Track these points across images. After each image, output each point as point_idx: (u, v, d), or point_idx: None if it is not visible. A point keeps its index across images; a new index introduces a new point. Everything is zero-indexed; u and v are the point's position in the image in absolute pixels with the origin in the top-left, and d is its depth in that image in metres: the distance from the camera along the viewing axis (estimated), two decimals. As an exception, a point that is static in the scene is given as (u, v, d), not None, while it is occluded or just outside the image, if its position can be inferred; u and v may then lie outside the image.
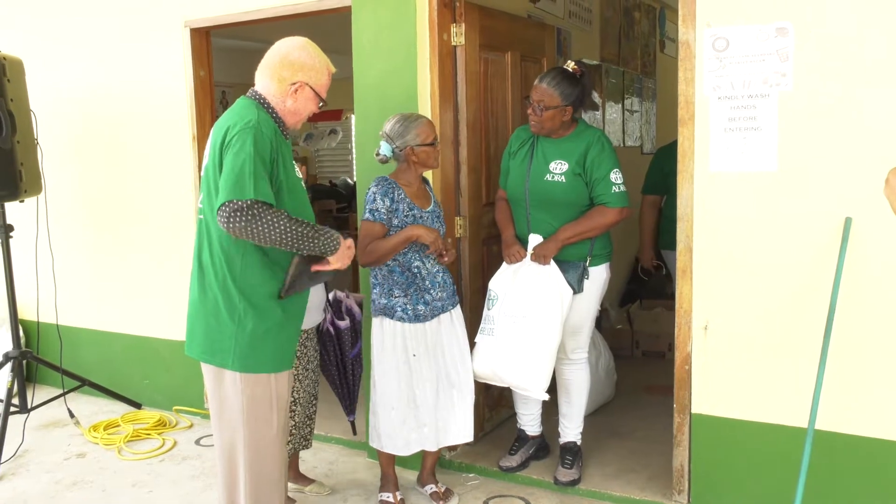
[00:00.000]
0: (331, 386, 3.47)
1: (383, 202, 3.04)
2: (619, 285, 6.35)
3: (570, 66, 3.27)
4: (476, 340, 3.29)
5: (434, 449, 3.24)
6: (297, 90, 2.45)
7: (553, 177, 3.27)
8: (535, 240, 3.27)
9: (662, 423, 3.78)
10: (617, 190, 3.24)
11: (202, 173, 2.47)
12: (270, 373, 2.43)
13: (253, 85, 2.53)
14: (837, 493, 2.88)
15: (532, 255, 3.25)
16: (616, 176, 3.24)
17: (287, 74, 2.44)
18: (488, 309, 3.27)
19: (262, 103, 2.45)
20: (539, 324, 3.17)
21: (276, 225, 2.25)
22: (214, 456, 2.61)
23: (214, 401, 2.51)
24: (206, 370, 2.50)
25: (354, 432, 3.60)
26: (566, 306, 3.22)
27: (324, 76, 2.50)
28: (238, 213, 2.21)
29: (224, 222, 2.23)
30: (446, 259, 3.12)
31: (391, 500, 3.30)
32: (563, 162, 3.26)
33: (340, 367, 3.39)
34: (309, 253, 2.37)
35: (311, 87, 2.47)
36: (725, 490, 3.08)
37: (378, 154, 3.12)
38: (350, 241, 2.49)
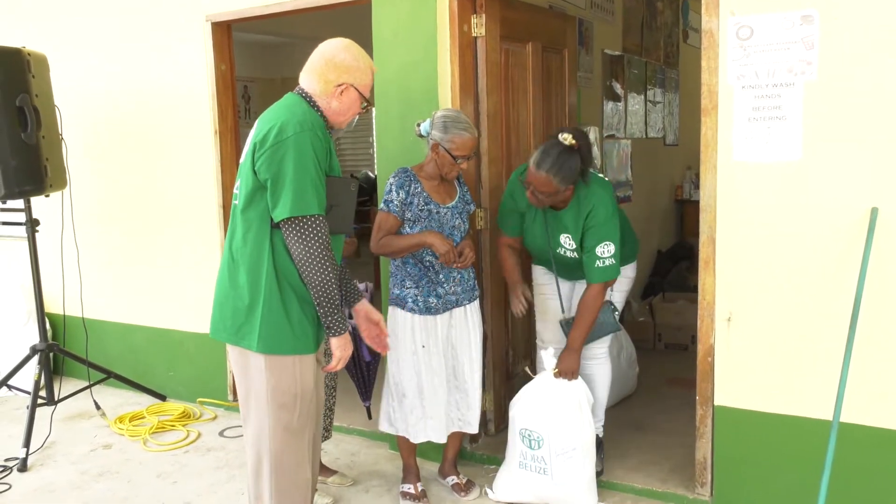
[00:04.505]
0: (348, 373, 3.48)
1: (398, 194, 3.05)
2: (642, 278, 6.33)
3: (567, 140, 3.01)
4: (518, 476, 3.22)
5: (442, 440, 3.25)
6: (342, 92, 2.48)
7: (566, 252, 3.26)
8: (549, 357, 3.21)
9: (685, 416, 3.76)
10: (601, 265, 3.13)
11: (241, 159, 2.50)
12: (294, 354, 2.45)
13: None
14: (862, 486, 2.85)
15: (556, 373, 3.18)
16: (603, 249, 3.11)
17: (333, 77, 2.47)
18: (532, 448, 3.16)
19: (310, 102, 2.49)
20: (588, 446, 3.14)
21: (323, 267, 2.35)
22: (244, 443, 2.63)
23: (242, 389, 2.55)
24: (234, 357, 2.53)
25: (370, 416, 3.60)
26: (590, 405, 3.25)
27: (367, 76, 2.53)
28: (303, 230, 2.34)
29: (292, 238, 2.34)
30: (458, 265, 3.09)
31: (412, 491, 3.31)
32: (568, 236, 3.22)
33: (356, 355, 3.39)
34: (321, 311, 2.42)
35: (355, 89, 2.50)
36: (748, 482, 3.06)
37: (418, 125, 3.13)
38: (349, 346, 2.51)
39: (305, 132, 2.34)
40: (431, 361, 3.15)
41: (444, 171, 3.08)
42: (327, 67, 2.47)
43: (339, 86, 2.47)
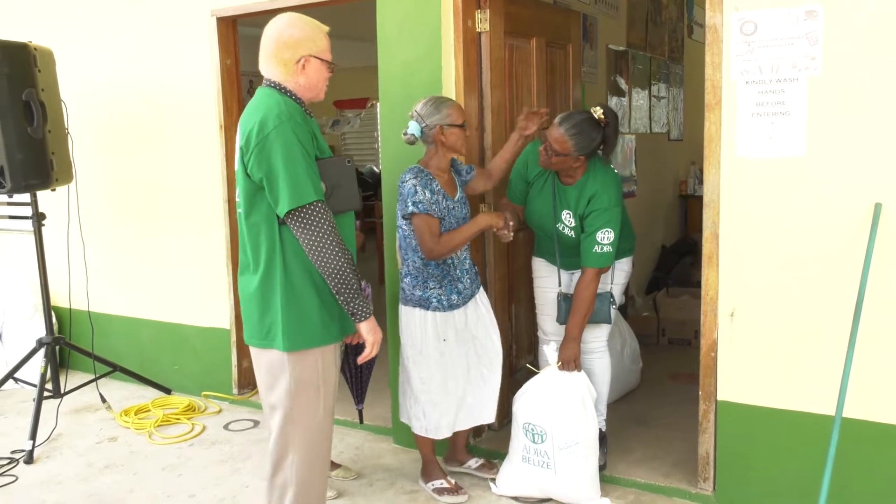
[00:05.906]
0: (342, 375, 3.48)
1: (425, 194, 3.03)
2: (646, 273, 6.33)
3: (598, 113, 3.14)
4: (521, 469, 3.23)
5: (468, 427, 3.31)
6: (304, 66, 2.46)
7: (564, 228, 3.28)
8: (551, 352, 3.23)
9: (687, 411, 3.76)
10: (598, 250, 3.15)
11: (236, 167, 2.50)
12: (317, 347, 2.45)
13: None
14: (865, 482, 2.85)
15: (559, 366, 3.20)
16: (603, 236, 3.14)
17: (288, 55, 2.44)
18: (535, 443, 3.16)
19: (280, 90, 2.47)
20: (591, 440, 3.15)
21: (334, 252, 2.34)
22: (268, 436, 2.60)
23: (264, 384, 2.56)
24: (257, 356, 2.55)
25: (361, 421, 3.62)
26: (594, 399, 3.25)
27: (322, 41, 2.49)
28: (307, 219, 2.33)
29: (298, 229, 2.34)
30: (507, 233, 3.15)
31: (446, 485, 3.30)
32: (569, 213, 3.24)
33: (353, 358, 3.40)
34: (341, 299, 2.40)
35: (315, 57, 2.47)
36: (751, 478, 3.06)
37: (406, 133, 3.12)
38: (378, 329, 2.48)
39: (285, 123, 2.33)
40: (453, 353, 3.18)
41: (458, 146, 3.11)
42: (279, 48, 2.44)
43: (299, 61, 2.44)
